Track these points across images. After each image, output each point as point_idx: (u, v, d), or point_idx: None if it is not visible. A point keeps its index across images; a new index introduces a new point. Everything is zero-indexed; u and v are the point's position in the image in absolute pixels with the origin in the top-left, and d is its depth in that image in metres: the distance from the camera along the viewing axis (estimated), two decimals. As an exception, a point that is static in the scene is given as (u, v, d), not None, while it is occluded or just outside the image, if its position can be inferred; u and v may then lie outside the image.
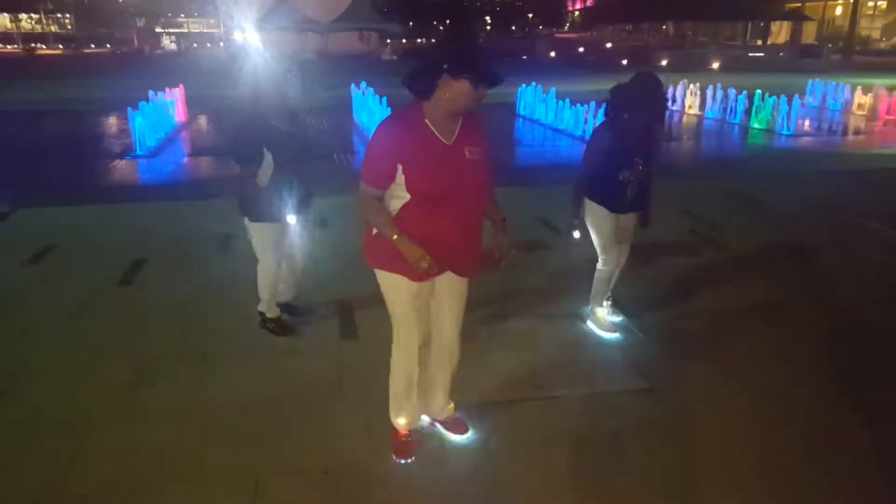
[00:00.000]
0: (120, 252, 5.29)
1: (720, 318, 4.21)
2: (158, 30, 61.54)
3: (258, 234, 3.67)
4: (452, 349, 2.78)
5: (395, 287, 2.52)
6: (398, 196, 2.37)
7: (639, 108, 3.46)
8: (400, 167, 2.29)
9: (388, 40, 46.80)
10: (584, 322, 4.07)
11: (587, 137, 4.27)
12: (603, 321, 3.99)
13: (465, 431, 2.92)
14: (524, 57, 39.01)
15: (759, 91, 13.04)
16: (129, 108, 10.21)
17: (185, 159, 10.24)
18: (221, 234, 5.65)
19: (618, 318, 4.08)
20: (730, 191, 7.50)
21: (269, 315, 3.92)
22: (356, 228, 2.75)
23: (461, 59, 2.20)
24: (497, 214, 2.63)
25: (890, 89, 14.30)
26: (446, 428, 2.94)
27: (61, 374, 3.46)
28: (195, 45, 58.57)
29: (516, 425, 3.03)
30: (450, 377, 2.85)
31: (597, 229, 3.79)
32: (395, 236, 2.35)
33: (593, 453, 2.86)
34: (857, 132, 12.78)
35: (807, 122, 12.42)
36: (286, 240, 3.78)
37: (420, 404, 2.85)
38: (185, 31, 67.01)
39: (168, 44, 59.51)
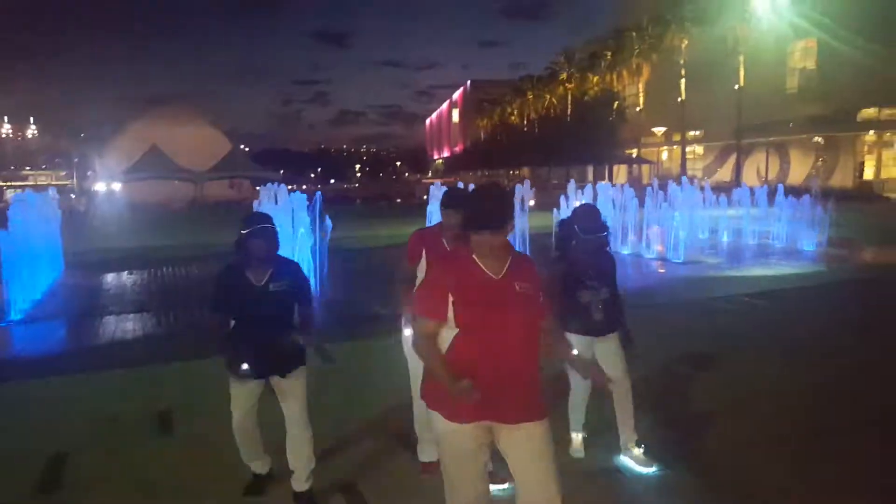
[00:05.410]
0: (30, 449, 4.23)
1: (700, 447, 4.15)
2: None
3: None
4: None
5: (441, 434, 2.42)
6: (449, 329, 2.40)
7: (583, 232, 3.71)
8: (451, 298, 2.35)
9: (257, 188, 46.70)
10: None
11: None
12: (577, 445, 4.02)
13: None
14: (398, 200, 40.58)
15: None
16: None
17: (76, 320, 8.66)
18: (156, 411, 4.81)
19: (650, 469, 3.85)
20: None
21: (252, 469, 3.55)
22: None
23: (466, 209, 2.43)
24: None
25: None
26: None
27: None
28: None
29: None
30: None
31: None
32: (441, 371, 2.34)
33: None
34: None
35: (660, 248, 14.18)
36: (253, 402, 3.36)
37: None
38: (32, 184, 62.77)
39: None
